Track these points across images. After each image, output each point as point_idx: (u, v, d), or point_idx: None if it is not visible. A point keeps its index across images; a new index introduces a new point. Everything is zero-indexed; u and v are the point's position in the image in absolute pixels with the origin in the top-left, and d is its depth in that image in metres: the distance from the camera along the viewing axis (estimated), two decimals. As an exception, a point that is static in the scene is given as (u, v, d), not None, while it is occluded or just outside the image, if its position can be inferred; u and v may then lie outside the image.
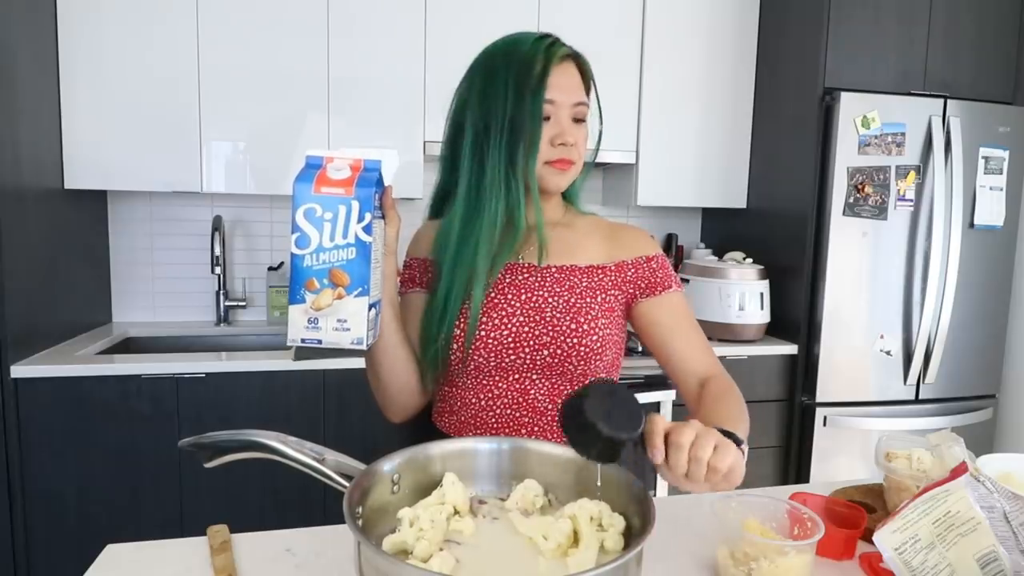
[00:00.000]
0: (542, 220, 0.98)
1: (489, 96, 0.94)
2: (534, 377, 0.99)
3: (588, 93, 1.02)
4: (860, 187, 2.29)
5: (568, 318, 0.97)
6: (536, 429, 1.00)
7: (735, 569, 0.77)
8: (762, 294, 2.42)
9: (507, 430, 1.00)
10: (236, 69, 2.18)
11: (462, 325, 0.97)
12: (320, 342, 0.77)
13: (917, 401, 2.45)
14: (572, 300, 0.99)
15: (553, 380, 0.99)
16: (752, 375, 2.39)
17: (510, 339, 0.97)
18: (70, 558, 1.92)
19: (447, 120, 1.02)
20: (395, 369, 0.97)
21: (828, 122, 2.30)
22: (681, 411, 2.17)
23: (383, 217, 0.83)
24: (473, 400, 1.01)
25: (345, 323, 0.77)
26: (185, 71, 2.15)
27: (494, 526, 0.73)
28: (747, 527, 0.79)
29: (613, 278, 1.03)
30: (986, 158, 2.39)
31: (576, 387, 1.00)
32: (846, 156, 2.28)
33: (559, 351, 0.97)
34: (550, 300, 0.99)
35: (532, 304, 0.99)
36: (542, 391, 0.99)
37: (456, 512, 0.73)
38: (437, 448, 0.80)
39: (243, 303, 2.57)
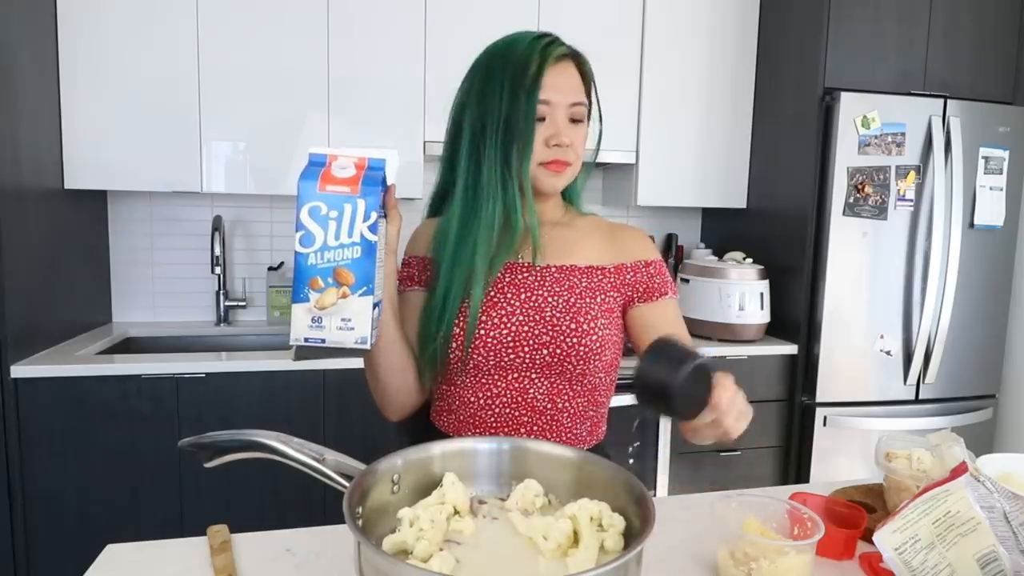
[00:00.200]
0: (536, 221, 0.98)
1: (486, 96, 0.95)
2: (533, 376, 0.99)
3: (589, 94, 1.01)
4: (860, 187, 2.29)
5: (568, 318, 0.97)
6: (535, 428, 1.00)
7: (735, 569, 0.77)
8: (762, 294, 2.42)
9: (506, 429, 1.00)
10: (236, 69, 2.18)
11: (461, 324, 0.97)
12: (323, 341, 0.77)
13: (917, 401, 2.45)
14: (572, 300, 0.99)
15: (552, 380, 1.00)
16: (752, 375, 2.39)
17: (509, 338, 0.97)
18: (70, 558, 1.92)
19: (448, 120, 1.03)
20: (394, 368, 0.98)
21: (828, 122, 2.30)
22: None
23: (385, 216, 0.83)
24: (472, 399, 1.01)
25: (349, 322, 0.76)
26: (185, 71, 2.15)
27: (494, 526, 0.73)
28: (747, 527, 0.79)
29: (612, 280, 1.04)
30: (986, 158, 2.39)
31: (575, 387, 1.00)
32: (846, 156, 2.28)
33: (558, 351, 0.97)
34: (550, 300, 0.99)
35: (532, 303, 0.99)
36: (541, 390, 0.99)
37: (456, 512, 0.73)
38: (437, 448, 0.80)
39: (243, 303, 2.57)
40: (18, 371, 1.83)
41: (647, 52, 2.51)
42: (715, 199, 2.68)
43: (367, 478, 0.71)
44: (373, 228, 0.75)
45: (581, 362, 0.98)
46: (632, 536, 0.69)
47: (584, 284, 1.01)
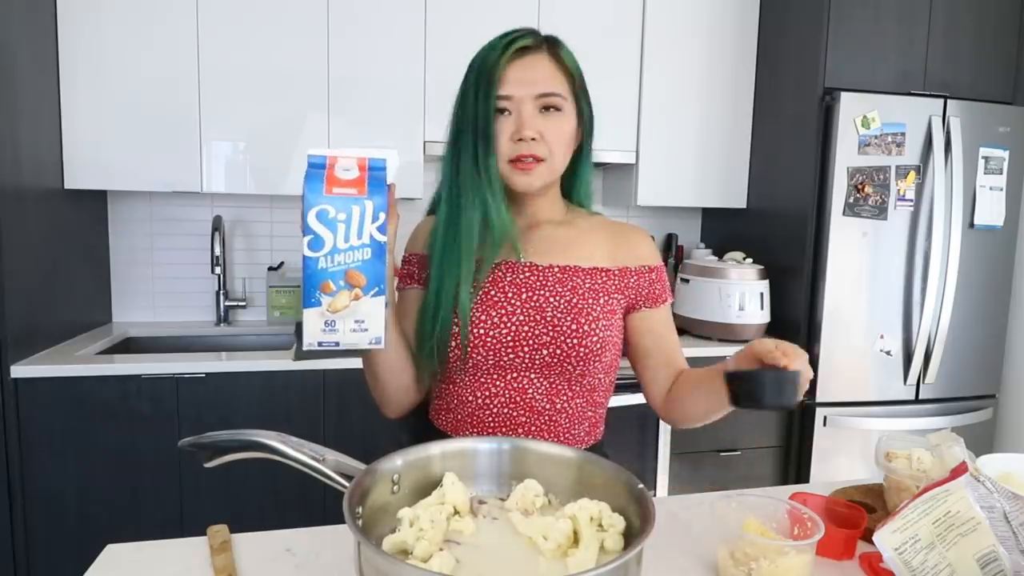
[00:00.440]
0: (506, 221, 0.97)
1: (464, 98, 0.97)
2: (532, 376, 0.99)
3: (574, 82, 1.00)
4: (860, 187, 2.29)
5: (569, 318, 0.97)
6: (533, 429, 1.00)
7: (735, 569, 0.77)
8: (762, 294, 2.42)
9: (504, 429, 1.00)
10: (236, 69, 2.18)
11: (459, 323, 0.97)
12: (338, 344, 0.76)
13: (917, 401, 2.45)
14: (574, 300, 0.99)
15: (552, 380, 0.99)
16: (752, 375, 2.38)
17: (509, 338, 0.97)
18: (70, 558, 1.92)
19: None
20: (393, 367, 0.98)
21: (828, 122, 2.30)
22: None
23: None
24: (470, 398, 1.01)
25: (363, 323, 0.76)
26: (185, 71, 2.15)
27: (494, 526, 0.73)
28: (747, 527, 0.79)
29: (616, 282, 1.04)
30: (986, 158, 2.38)
31: (574, 387, 1.00)
32: (846, 156, 2.28)
33: (559, 351, 0.97)
34: (552, 300, 0.99)
35: (533, 303, 0.99)
36: (540, 391, 0.99)
37: (456, 512, 0.73)
38: (437, 448, 0.80)
39: (243, 303, 2.57)
40: (18, 371, 1.83)
41: (647, 52, 2.51)
42: (715, 199, 2.68)
43: (367, 478, 0.71)
44: (382, 229, 0.75)
45: (581, 363, 0.98)
46: (632, 536, 0.69)
47: (587, 285, 1.01)
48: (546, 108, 0.97)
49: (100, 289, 2.43)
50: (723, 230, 2.90)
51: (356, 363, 0.96)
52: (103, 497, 1.93)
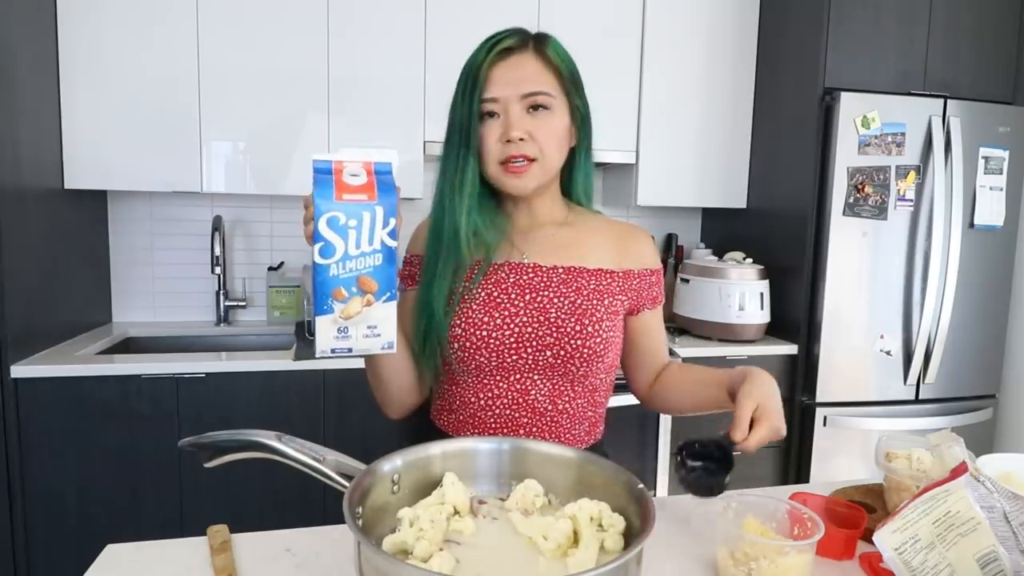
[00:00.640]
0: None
1: (454, 102, 0.98)
2: (535, 378, 0.99)
3: (564, 80, 0.98)
4: (860, 187, 2.29)
5: (573, 320, 0.97)
6: (534, 430, 1.00)
7: (735, 569, 0.77)
8: (762, 294, 2.42)
9: (505, 430, 1.00)
10: (236, 69, 2.18)
11: (461, 324, 0.97)
12: (351, 350, 0.76)
13: (917, 401, 2.45)
14: (578, 302, 0.99)
15: (554, 381, 0.99)
16: (752, 375, 2.38)
17: (512, 339, 0.97)
18: (70, 558, 1.92)
19: None
20: (396, 368, 0.98)
21: (828, 122, 2.30)
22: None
23: None
24: (472, 399, 1.01)
25: (375, 329, 0.76)
26: (185, 71, 2.15)
27: (494, 526, 0.73)
28: (747, 527, 0.79)
29: (620, 284, 1.03)
30: (986, 158, 2.38)
31: (576, 388, 1.00)
32: (846, 156, 2.28)
33: (562, 352, 0.97)
34: (555, 301, 0.99)
35: (536, 304, 0.99)
36: (542, 392, 0.99)
37: (456, 512, 0.73)
38: (437, 448, 0.80)
39: (243, 303, 2.57)
40: (18, 371, 1.83)
41: (647, 52, 2.51)
42: (715, 199, 2.68)
43: (367, 478, 0.71)
44: (392, 234, 0.75)
45: (584, 364, 0.98)
46: (632, 536, 0.69)
47: (591, 286, 1.01)
48: (534, 107, 0.95)
49: (100, 289, 2.43)
50: (723, 230, 2.90)
51: (356, 363, 0.96)
52: (103, 497, 1.93)
